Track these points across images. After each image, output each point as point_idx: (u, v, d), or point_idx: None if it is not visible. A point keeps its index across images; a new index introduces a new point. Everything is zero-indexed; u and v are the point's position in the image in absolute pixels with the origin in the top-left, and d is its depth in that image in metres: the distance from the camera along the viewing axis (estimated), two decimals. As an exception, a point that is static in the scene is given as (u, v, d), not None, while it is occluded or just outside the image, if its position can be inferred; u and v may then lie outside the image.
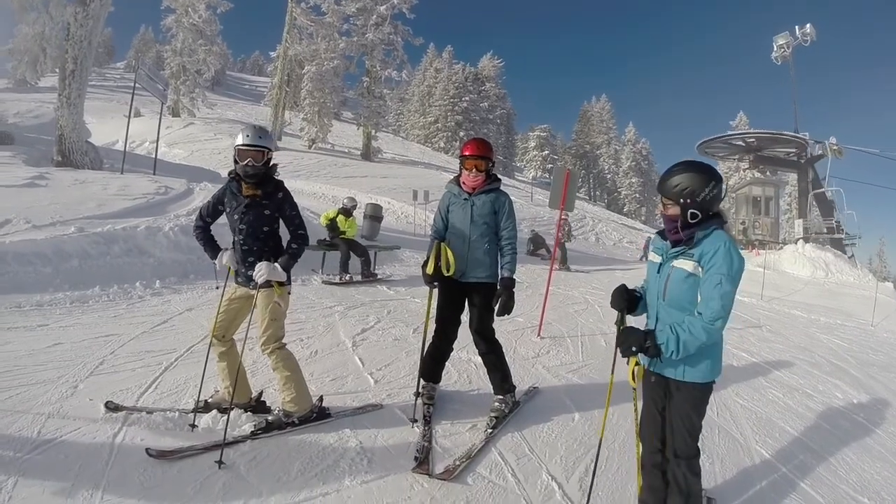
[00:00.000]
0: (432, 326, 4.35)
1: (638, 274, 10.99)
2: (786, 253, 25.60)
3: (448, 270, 4.08)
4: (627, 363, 2.69)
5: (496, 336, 4.34)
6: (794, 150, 31.39)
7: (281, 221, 3.82)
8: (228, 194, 3.78)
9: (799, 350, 9.02)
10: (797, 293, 17.81)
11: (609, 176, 73.08)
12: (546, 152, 64.38)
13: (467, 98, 62.28)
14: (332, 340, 5.94)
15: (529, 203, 33.41)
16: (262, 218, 3.70)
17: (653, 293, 2.83)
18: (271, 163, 3.74)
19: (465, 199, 4.19)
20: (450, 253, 4.09)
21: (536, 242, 18.96)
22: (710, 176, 2.64)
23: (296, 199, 3.90)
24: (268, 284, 3.64)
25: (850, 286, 20.38)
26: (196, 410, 3.76)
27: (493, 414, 4.19)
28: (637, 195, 70.81)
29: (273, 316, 3.69)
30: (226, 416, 3.60)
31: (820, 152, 30.37)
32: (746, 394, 5.91)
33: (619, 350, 2.70)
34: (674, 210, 2.68)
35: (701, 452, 2.84)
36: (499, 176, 4.36)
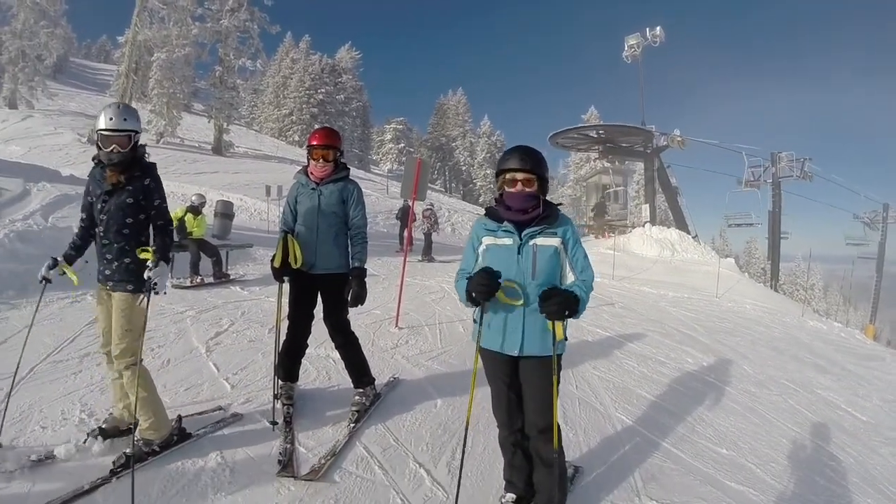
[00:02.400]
0: (286, 324, 4.19)
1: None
2: (634, 235, 27.39)
3: (296, 263, 3.95)
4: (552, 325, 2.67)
5: (351, 328, 4.29)
6: (640, 141, 33.63)
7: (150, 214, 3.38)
8: (92, 182, 3.33)
9: (650, 323, 9.77)
10: (646, 272, 19.20)
11: (465, 168, 74.09)
12: (402, 145, 64.33)
13: (323, 90, 60.69)
14: (185, 347, 5.57)
15: (385, 196, 33.22)
16: (125, 208, 3.23)
17: (515, 276, 2.76)
18: (139, 145, 3.31)
19: (313, 189, 4.11)
20: (296, 245, 3.96)
21: (405, 213, 18.29)
22: None
23: None
24: (123, 289, 3.25)
25: (695, 263, 22.08)
26: (95, 434, 3.38)
27: (354, 408, 4.15)
28: (492, 186, 72.36)
29: (128, 325, 3.26)
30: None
31: (665, 143, 32.80)
32: (603, 366, 6.28)
33: (548, 313, 2.60)
34: (536, 185, 2.75)
35: (562, 425, 2.92)
36: (347, 165, 4.29)
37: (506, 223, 2.82)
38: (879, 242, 35.15)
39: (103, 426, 3.46)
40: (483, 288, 2.62)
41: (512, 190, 2.77)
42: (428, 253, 16.59)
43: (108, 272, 3.28)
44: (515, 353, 2.81)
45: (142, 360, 3.39)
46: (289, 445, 3.62)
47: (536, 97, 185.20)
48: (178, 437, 3.52)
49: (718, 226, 56.95)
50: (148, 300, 3.20)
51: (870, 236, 35.23)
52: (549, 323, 2.66)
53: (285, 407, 4.09)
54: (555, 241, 2.77)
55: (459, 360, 5.87)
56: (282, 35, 63.76)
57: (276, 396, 4.11)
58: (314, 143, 4.08)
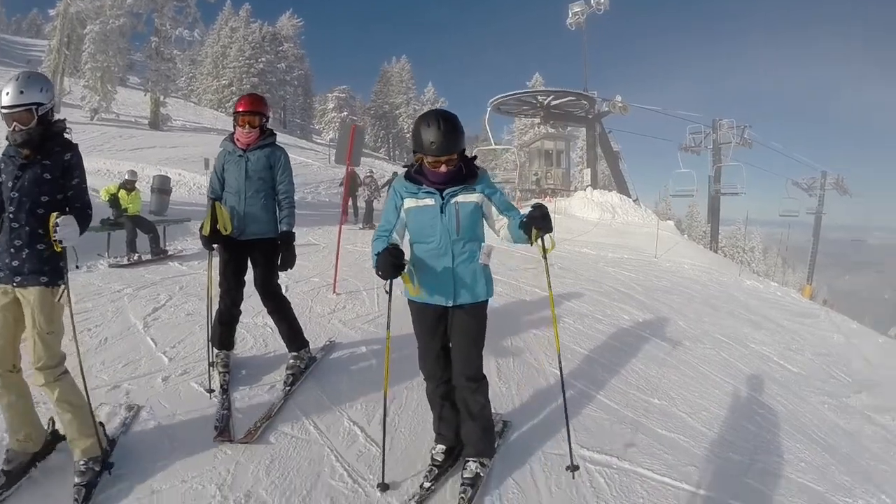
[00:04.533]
0: (217, 292, 4.19)
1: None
2: (575, 199, 27.88)
3: (225, 230, 3.93)
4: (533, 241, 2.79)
5: (283, 293, 4.34)
6: (583, 107, 33.92)
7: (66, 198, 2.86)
8: (5, 160, 2.80)
9: (589, 282, 10.00)
10: (587, 234, 19.59)
11: (409, 135, 73.18)
12: (345, 114, 62.71)
13: (264, 59, 58.78)
14: (122, 325, 5.47)
15: (328, 165, 32.58)
16: (42, 183, 2.74)
17: (440, 234, 2.87)
18: (54, 118, 2.84)
19: (240, 155, 4.10)
20: (224, 212, 3.95)
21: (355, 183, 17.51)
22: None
23: None
24: (36, 282, 2.73)
25: (635, 225, 22.72)
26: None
27: (289, 371, 4.20)
28: (436, 152, 71.61)
29: (49, 327, 2.75)
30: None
31: (607, 109, 33.21)
32: (539, 323, 6.40)
33: (544, 228, 2.73)
34: (454, 161, 2.80)
35: (493, 378, 3.03)
36: (273, 131, 4.29)
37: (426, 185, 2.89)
38: (816, 208, 36.68)
39: (5, 468, 2.80)
40: (388, 268, 2.75)
41: (436, 170, 2.82)
42: (369, 220, 16.40)
43: (15, 263, 2.73)
44: (449, 303, 2.93)
45: (68, 371, 2.89)
46: (225, 411, 3.66)
47: (481, 64, 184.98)
48: (109, 449, 3.09)
49: (660, 191, 58.25)
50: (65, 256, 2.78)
51: (806, 202, 36.72)
52: (538, 240, 2.78)
53: (221, 374, 4.11)
54: (475, 197, 2.89)
55: (395, 321, 5.84)
56: (221, 3, 61.35)
57: (211, 365, 4.11)
58: (240, 109, 4.08)
